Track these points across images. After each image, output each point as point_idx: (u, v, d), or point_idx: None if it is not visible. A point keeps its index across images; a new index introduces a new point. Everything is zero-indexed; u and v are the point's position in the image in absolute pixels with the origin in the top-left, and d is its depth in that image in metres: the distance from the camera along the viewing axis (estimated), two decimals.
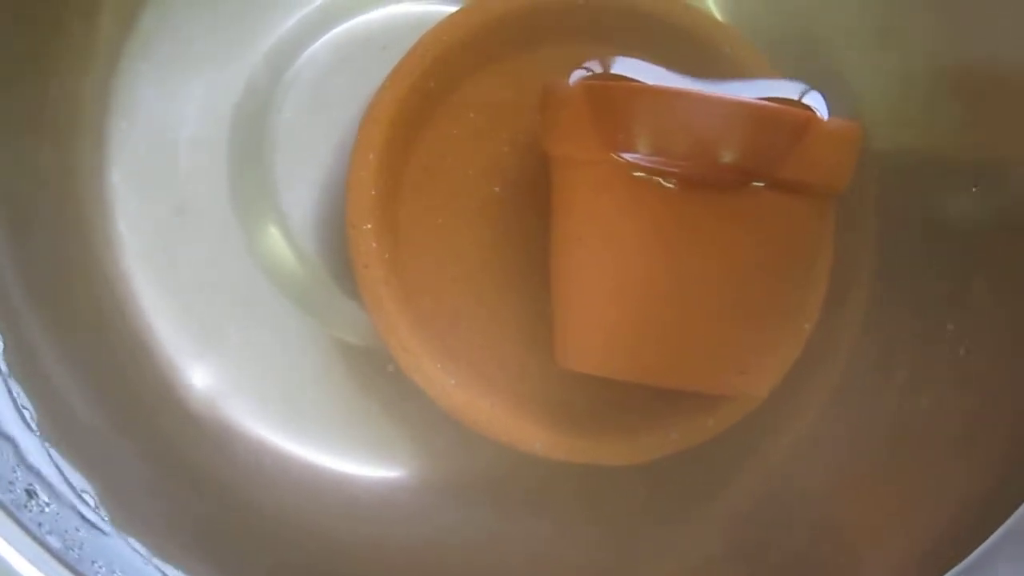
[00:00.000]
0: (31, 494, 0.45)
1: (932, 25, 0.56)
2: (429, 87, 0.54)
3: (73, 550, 0.44)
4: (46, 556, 0.42)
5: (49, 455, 0.48)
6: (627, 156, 0.48)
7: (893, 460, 0.53)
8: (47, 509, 0.46)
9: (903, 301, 0.56)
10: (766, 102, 0.49)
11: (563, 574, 0.56)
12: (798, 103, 0.50)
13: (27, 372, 0.50)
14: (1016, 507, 0.44)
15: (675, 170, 0.48)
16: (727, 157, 0.48)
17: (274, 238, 0.58)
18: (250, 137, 0.58)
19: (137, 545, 0.48)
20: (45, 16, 0.54)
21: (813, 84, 0.51)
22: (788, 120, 0.48)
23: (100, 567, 0.45)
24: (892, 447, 0.53)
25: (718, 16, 0.59)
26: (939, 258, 0.55)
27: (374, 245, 0.53)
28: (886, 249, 0.57)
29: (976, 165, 0.54)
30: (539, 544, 0.56)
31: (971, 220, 0.54)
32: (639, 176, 0.48)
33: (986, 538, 0.44)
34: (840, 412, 0.56)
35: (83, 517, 0.47)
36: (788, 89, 0.51)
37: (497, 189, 0.56)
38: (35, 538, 0.42)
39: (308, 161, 0.58)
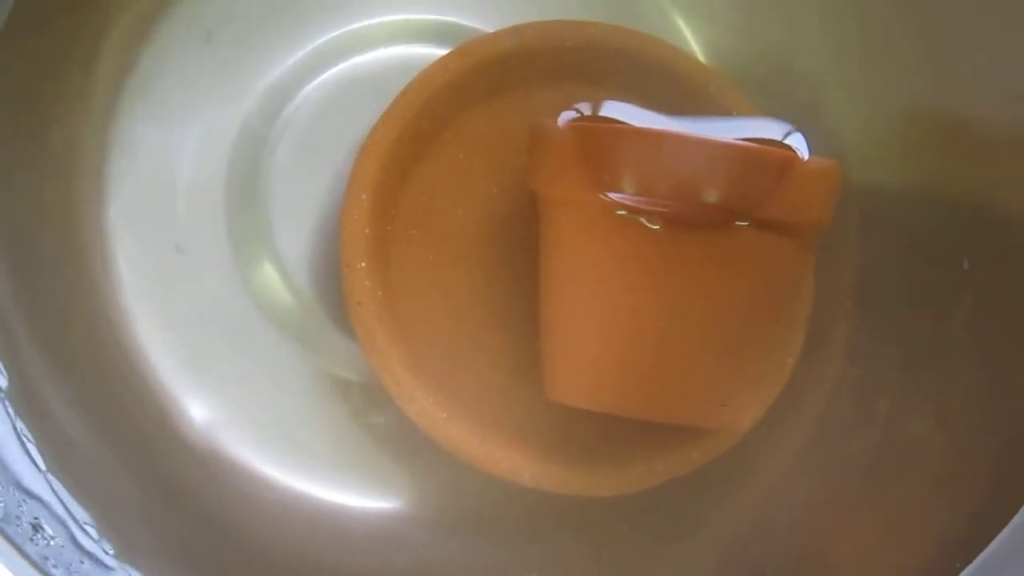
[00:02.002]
0: (36, 528, 0.46)
1: (910, 63, 0.56)
2: (421, 127, 0.55)
3: None
4: None
5: (52, 489, 0.49)
6: (613, 196, 0.48)
7: (875, 491, 0.53)
8: (52, 542, 0.46)
9: (884, 335, 0.56)
10: (749, 143, 0.49)
11: None
12: (780, 143, 0.51)
13: (30, 406, 0.50)
14: (993, 538, 0.45)
15: (660, 210, 0.48)
16: (711, 197, 0.48)
17: (270, 275, 0.58)
18: (246, 176, 0.58)
19: None
20: (47, 58, 0.55)
21: (794, 124, 0.52)
22: (770, 160, 0.49)
23: None
24: (874, 478, 0.54)
25: (701, 58, 0.60)
26: (919, 293, 0.55)
27: (367, 283, 0.54)
28: (867, 284, 0.57)
29: (956, 200, 0.55)
30: (530, 571, 0.57)
31: (950, 255, 0.54)
32: (625, 216, 0.48)
33: (965, 567, 0.44)
34: (823, 443, 0.56)
35: (86, 550, 0.48)
36: (770, 129, 0.51)
37: (487, 227, 0.56)
38: (42, 571, 0.43)
39: (303, 200, 0.58)
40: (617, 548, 0.57)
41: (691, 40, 0.61)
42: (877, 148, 0.58)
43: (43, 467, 0.49)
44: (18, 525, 0.45)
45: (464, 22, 0.60)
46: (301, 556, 0.56)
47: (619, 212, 0.49)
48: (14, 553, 0.42)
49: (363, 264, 0.54)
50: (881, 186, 0.58)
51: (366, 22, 0.60)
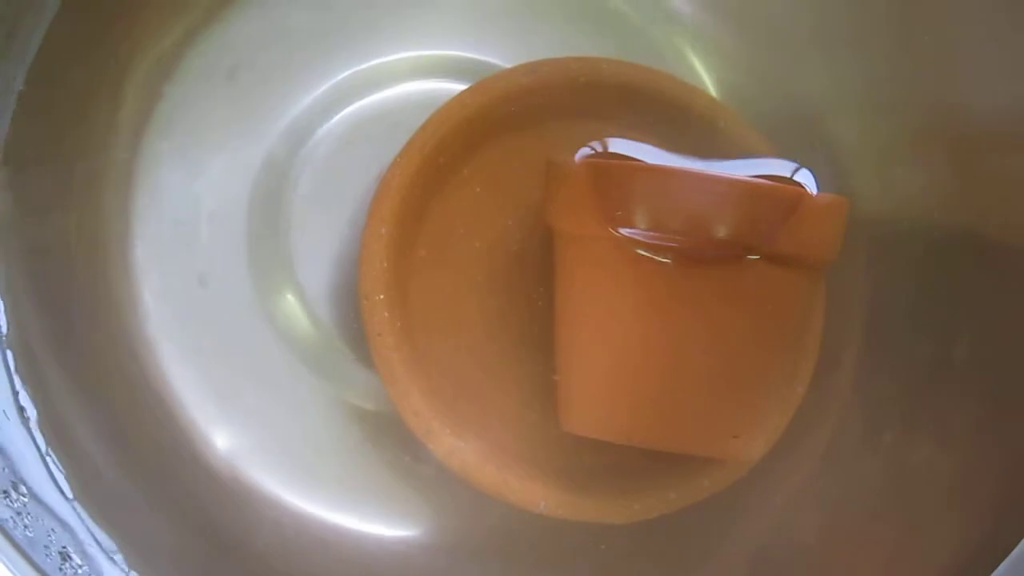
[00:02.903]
0: (65, 556, 0.47)
1: (912, 98, 0.57)
2: (438, 163, 0.55)
3: None
4: None
5: (80, 517, 0.50)
6: (626, 232, 0.49)
7: (882, 517, 0.54)
8: (80, 571, 0.47)
9: (890, 364, 0.57)
10: (758, 179, 0.50)
11: None
12: (789, 180, 0.52)
13: (59, 439, 0.51)
14: (999, 563, 0.45)
15: (673, 245, 0.49)
16: (721, 232, 0.49)
17: (291, 307, 0.59)
18: (268, 211, 0.59)
19: None
20: (73, 95, 0.56)
21: (804, 158, 0.53)
22: (779, 197, 0.49)
23: None
24: (881, 505, 0.54)
25: (714, 94, 0.61)
26: (924, 322, 0.56)
27: (386, 315, 0.54)
28: (874, 314, 0.58)
29: (960, 232, 0.55)
30: None
31: (954, 285, 0.55)
32: (638, 251, 0.49)
33: None
34: (831, 471, 0.57)
35: None
36: (780, 167, 0.52)
37: (503, 260, 0.57)
38: None
39: (323, 234, 0.59)
40: (632, 574, 0.58)
41: (704, 77, 0.61)
42: (884, 183, 0.59)
43: (71, 498, 0.50)
44: (47, 554, 0.46)
45: (481, 58, 0.61)
46: None
47: (632, 248, 0.49)
48: None
49: (382, 296, 0.54)
50: (888, 219, 0.58)
51: (385, 59, 0.60)
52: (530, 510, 0.54)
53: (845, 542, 0.55)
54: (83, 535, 0.50)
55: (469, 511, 0.58)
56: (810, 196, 0.51)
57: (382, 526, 0.58)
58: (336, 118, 0.60)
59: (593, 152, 0.53)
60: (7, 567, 0.42)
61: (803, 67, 0.61)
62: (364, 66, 0.60)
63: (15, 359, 0.52)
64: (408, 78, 0.61)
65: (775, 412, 0.55)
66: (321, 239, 0.59)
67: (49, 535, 0.47)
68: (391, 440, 0.58)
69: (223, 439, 0.57)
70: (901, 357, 0.57)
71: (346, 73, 0.60)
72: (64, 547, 0.48)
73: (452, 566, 0.58)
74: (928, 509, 0.53)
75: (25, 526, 0.46)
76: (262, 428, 0.58)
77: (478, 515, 0.58)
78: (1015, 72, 0.53)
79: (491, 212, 0.57)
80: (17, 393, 0.51)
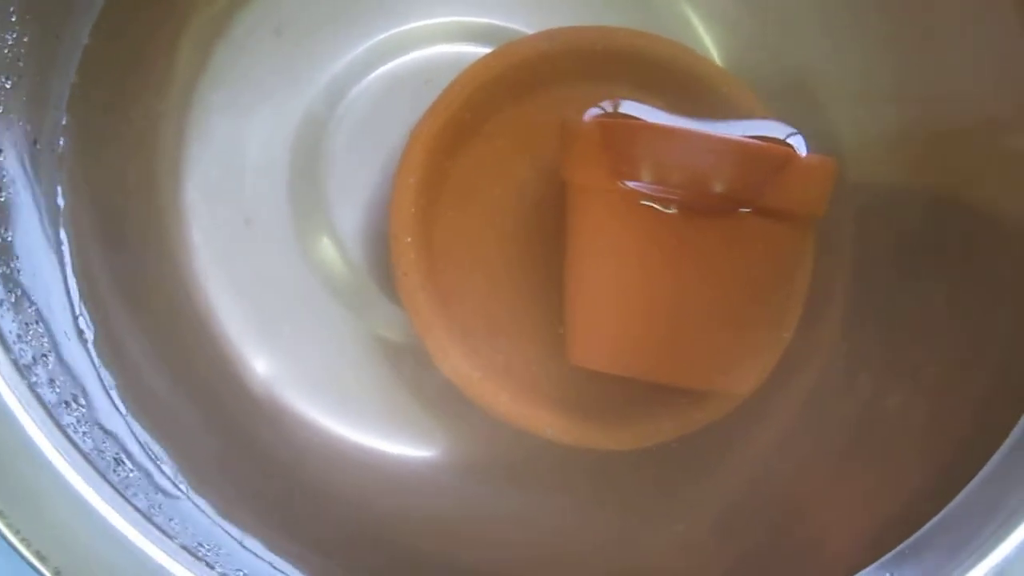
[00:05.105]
0: (118, 461, 0.50)
1: (903, 75, 0.60)
2: (464, 118, 0.57)
3: (155, 509, 0.48)
4: (136, 515, 0.44)
5: (131, 430, 0.53)
6: (632, 184, 0.52)
7: (858, 453, 0.56)
8: (131, 475, 0.50)
9: (873, 315, 0.59)
10: (751, 140, 0.53)
11: (574, 542, 0.59)
12: (781, 141, 0.54)
13: (114, 358, 0.54)
14: (957, 494, 0.48)
15: (674, 197, 0.52)
16: (718, 187, 0.51)
17: (326, 247, 0.61)
18: (308, 159, 0.61)
19: (205, 507, 0.53)
20: (132, 51, 0.59)
21: (798, 123, 0.55)
22: (770, 155, 0.52)
23: (176, 524, 0.48)
24: (857, 442, 0.57)
25: (718, 61, 0.63)
26: (905, 278, 0.58)
27: (413, 256, 0.57)
28: (859, 270, 0.60)
29: (939, 198, 0.58)
30: (553, 517, 0.60)
31: (933, 248, 0.58)
32: (642, 202, 0.52)
33: (930, 519, 0.48)
34: (814, 410, 0.59)
35: (160, 486, 0.52)
36: (773, 129, 0.55)
37: (521, 210, 0.59)
38: (124, 498, 0.45)
39: (357, 181, 0.61)
40: (631, 497, 0.60)
41: (710, 47, 0.63)
42: (873, 149, 0.61)
43: (124, 411, 0.53)
44: (103, 459, 0.49)
45: (506, 24, 0.63)
46: (344, 494, 0.59)
47: (637, 199, 0.52)
48: (101, 481, 0.45)
49: (409, 239, 0.57)
50: (876, 183, 0.60)
51: (418, 23, 0.63)
52: (539, 436, 0.57)
53: (823, 475, 0.57)
54: (133, 446, 0.52)
55: (484, 435, 0.60)
56: (798, 156, 0.53)
57: (404, 446, 0.60)
58: (372, 75, 0.62)
59: (603, 112, 0.55)
60: (70, 466, 0.44)
61: (802, 40, 0.63)
62: (400, 29, 0.63)
63: (77, 285, 0.55)
64: (439, 41, 0.63)
65: (764, 352, 0.57)
66: (355, 186, 0.62)
67: (103, 442, 0.50)
68: (414, 369, 0.61)
69: (262, 364, 0.60)
70: (882, 308, 0.59)
71: (383, 35, 0.63)
72: (118, 453, 0.50)
73: (468, 485, 0.60)
74: (900, 448, 0.55)
75: (84, 432, 0.49)
76: (297, 356, 0.60)
77: (492, 439, 0.60)
78: (997, 55, 0.56)
79: (511, 165, 0.59)
80: (78, 317, 0.54)
